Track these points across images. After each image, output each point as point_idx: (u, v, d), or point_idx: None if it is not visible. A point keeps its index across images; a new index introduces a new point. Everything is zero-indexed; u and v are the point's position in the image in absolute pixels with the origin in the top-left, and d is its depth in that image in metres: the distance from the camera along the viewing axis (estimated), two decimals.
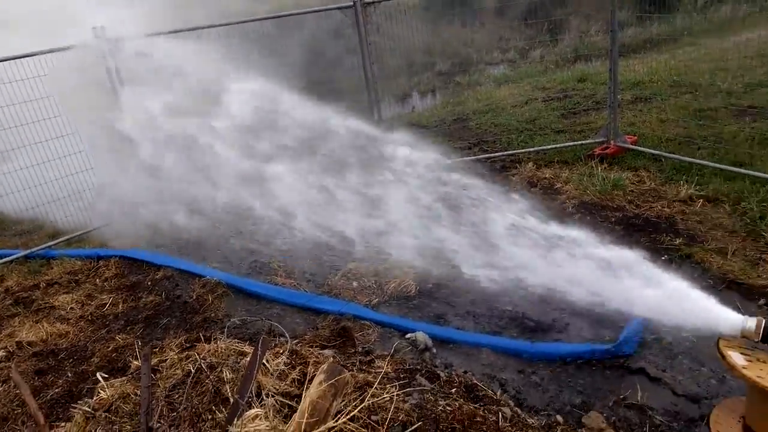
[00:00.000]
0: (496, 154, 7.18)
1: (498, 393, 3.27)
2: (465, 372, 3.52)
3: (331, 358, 3.04)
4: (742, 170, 5.58)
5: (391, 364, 3.29)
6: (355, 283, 4.75)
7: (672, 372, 3.46)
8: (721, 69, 8.73)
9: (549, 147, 7.02)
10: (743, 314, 2.88)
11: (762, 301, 3.91)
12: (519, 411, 3.07)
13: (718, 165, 5.78)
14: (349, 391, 2.47)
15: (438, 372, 3.27)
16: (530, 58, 12.86)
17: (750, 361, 2.70)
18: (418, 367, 3.24)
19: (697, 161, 5.95)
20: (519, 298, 4.24)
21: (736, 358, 2.72)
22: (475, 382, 3.24)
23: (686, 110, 7.56)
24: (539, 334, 4.02)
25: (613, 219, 5.33)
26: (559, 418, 3.19)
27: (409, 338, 3.98)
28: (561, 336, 3.96)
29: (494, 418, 2.73)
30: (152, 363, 2.94)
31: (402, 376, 3.00)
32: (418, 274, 4.72)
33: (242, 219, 5.32)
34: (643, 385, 3.38)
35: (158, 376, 2.79)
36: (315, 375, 2.37)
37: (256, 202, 5.13)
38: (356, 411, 2.15)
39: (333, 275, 4.89)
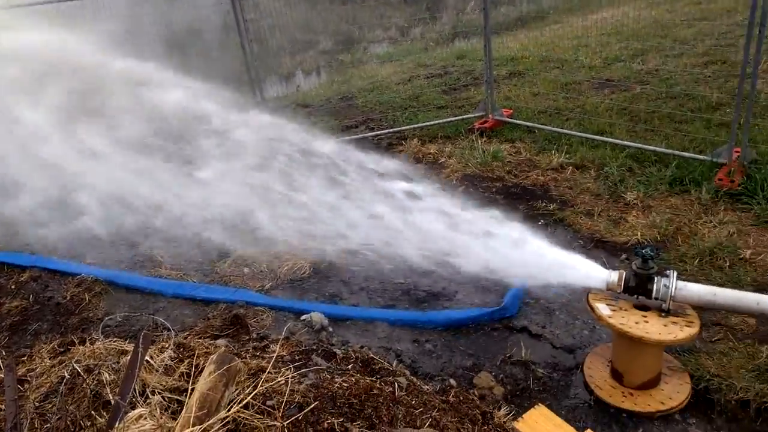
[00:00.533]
0: (383, 131, 7.26)
1: (394, 364, 3.34)
2: (361, 347, 3.56)
3: (223, 348, 2.94)
4: (604, 138, 6.10)
5: (286, 348, 3.25)
6: (246, 269, 4.62)
7: (551, 327, 3.74)
8: (583, 45, 9.44)
9: (432, 123, 7.21)
10: (608, 269, 3.16)
11: (624, 256, 4.32)
12: (414, 379, 3.15)
13: (583, 134, 6.27)
14: (243, 378, 2.41)
15: (334, 350, 3.27)
16: (411, 36, 13.10)
17: (614, 310, 2.99)
18: (314, 347, 3.23)
19: (566, 131, 6.41)
20: (410, 271, 4.34)
21: (603, 309, 2.99)
22: (372, 355, 3.29)
23: (555, 84, 8.10)
24: (431, 303, 4.16)
25: (494, 189, 5.61)
26: (453, 381, 3.34)
27: (304, 319, 3.95)
28: (451, 304, 4.12)
29: (390, 388, 2.79)
30: (19, 373, 2.67)
31: (298, 357, 2.97)
32: (311, 255, 4.68)
33: (117, 210, 4.94)
34: (526, 343, 3.62)
35: (27, 386, 2.53)
36: (205, 367, 2.27)
37: (130, 192, 4.79)
38: (249, 398, 2.10)
39: (222, 263, 4.71)
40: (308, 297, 4.34)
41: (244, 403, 2.06)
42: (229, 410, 1.98)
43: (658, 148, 5.65)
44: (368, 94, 9.11)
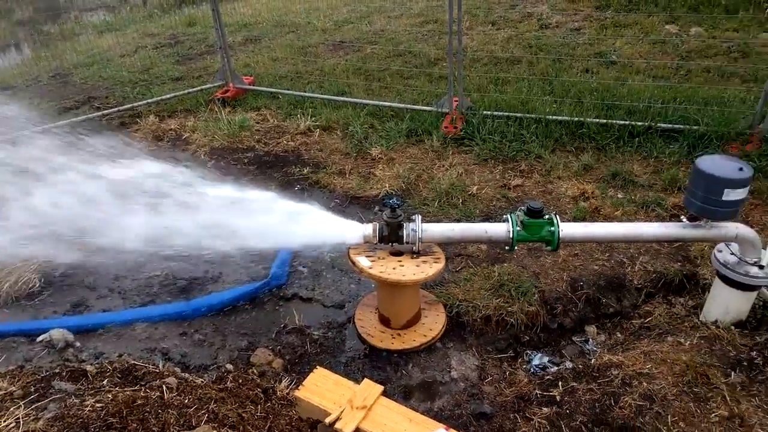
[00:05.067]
0: (111, 110, 6.42)
1: (161, 365, 3.03)
2: (120, 355, 3.16)
3: None
4: (345, 98, 6.33)
5: (19, 380, 2.69)
6: None
7: (320, 289, 3.79)
8: (314, 9, 9.60)
9: (169, 96, 6.63)
10: (364, 223, 3.28)
11: (376, 209, 4.57)
12: (187, 375, 2.91)
13: (325, 96, 6.41)
14: None
15: (85, 367, 2.82)
16: (132, 3, 11.80)
17: (373, 261, 3.12)
18: (57, 370, 2.74)
19: (309, 95, 6.48)
20: (166, 260, 3.97)
21: (363, 261, 3.10)
22: (133, 362, 2.92)
23: (292, 48, 8.10)
24: (195, 290, 3.87)
25: (245, 160, 5.42)
26: (230, 366, 3.17)
27: (42, 340, 3.34)
28: (217, 286, 3.90)
29: (158, 393, 2.52)
30: None
31: (34, 389, 2.48)
32: (39, 264, 3.96)
33: None
34: (298, 309, 3.62)
35: None
36: None
37: None
38: None
39: None
40: (44, 313, 3.68)
41: None
42: None
43: (393, 104, 6.07)
44: (87, 69, 7.97)
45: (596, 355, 3.15)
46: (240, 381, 2.93)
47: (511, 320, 3.35)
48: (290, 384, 2.94)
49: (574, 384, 2.89)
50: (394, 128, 5.67)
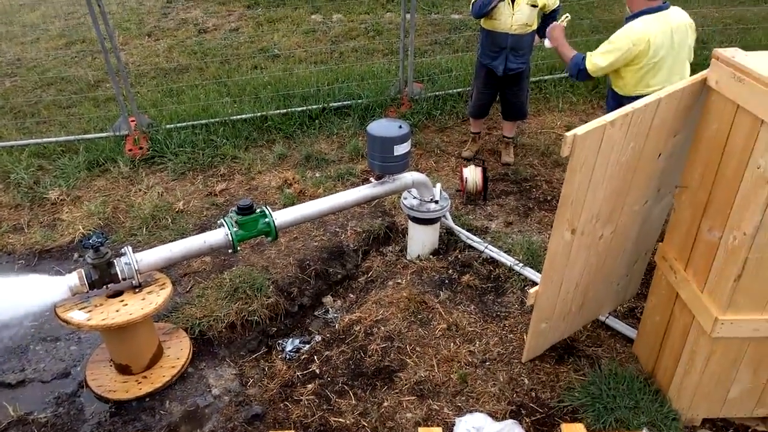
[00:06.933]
0: None
1: None
2: None
3: None
4: None
5: None
6: None
7: (32, 366, 3.22)
8: None
9: None
10: (65, 274, 2.89)
11: (76, 256, 4.04)
12: None
13: None
14: None
15: None
16: None
17: (91, 311, 2.80)
18: None
19: None
20: None
21: (78, 316, 2.76)
22: None
23: None
24: None
25: None
26: None
27: None
28: None
29: None
30: None
31: None
32: None
33: None
34: (10, 398, 3.02)
35: None
36: None
37: None
38: None
39: None
40: None
41: None
42: None
43: (59, 138, 5.38)
44: None
45: (338, 320, 3.44)
46: None
47: (255, 318, 3.40)
48: None
49: (328, 353, 3.12)
50: (69, 164, 5.04)
